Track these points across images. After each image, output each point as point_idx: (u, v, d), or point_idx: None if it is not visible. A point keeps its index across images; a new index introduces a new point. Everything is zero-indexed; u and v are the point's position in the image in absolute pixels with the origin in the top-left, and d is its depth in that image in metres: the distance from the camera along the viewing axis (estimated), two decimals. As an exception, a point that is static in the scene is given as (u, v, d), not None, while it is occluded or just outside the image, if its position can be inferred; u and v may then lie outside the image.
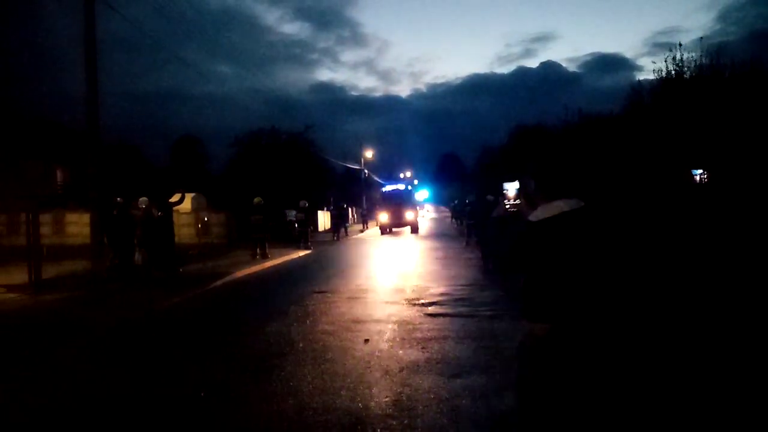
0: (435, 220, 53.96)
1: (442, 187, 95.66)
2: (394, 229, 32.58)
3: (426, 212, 68.30)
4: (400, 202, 32.04)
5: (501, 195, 14.23)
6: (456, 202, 43.64)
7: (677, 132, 17.23)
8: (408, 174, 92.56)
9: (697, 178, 17.46)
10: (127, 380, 5.43)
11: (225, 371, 5.57)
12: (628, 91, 25.80)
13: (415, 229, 31.31)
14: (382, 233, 31.41)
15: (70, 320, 8.16)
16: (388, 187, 34.95)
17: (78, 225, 21.94)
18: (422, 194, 63.34)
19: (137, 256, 13.06)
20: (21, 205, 13.26)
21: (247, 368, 5.61)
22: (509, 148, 42.09)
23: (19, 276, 11.04)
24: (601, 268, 2.69)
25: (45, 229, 22.14)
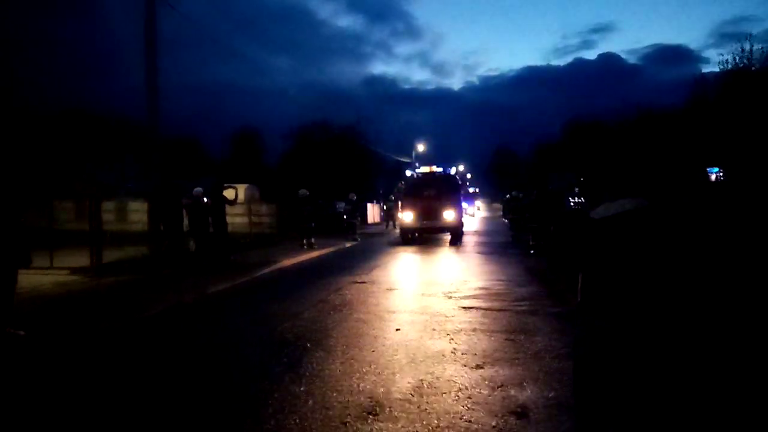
0: (487, 220, 44.33)
1: (496, 183, 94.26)
2: (423, 235, 21.75)
3: (476, 210, 57.84)
4: (435, 193, 20.62)
5: (567, 191, 14.17)
6: (507, 196, 39.98)
7: (743, 128, 16.50)
8: (461, 168, 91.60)
9: None
10: (170, 358, 5.85)
11: (261, 353, 5.91)
12: (691, 85, 24.81)
13: (456, 237, 20.45)
14: (405, 241, 20.38)
15: (125, 302, 8.75)
16: (421, 170, 23.41)
17: (140, 213, 23.09)
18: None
19: (191, 244, 13.77)
20: (85, 194, 14.16)
21: (282, 351, 5.92)
22: (563, 142, 41.27)
23: (83, 259, 11.82)
24: (662, 267, 2.70)
25: (109, 216, 23.47)
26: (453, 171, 24.10)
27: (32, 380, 5.19)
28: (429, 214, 20.07)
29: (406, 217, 20.48)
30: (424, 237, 21.85)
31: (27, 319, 7.10)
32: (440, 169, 22.96)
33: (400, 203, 22.56)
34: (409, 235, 20.77)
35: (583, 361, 2.95)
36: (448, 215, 20.03)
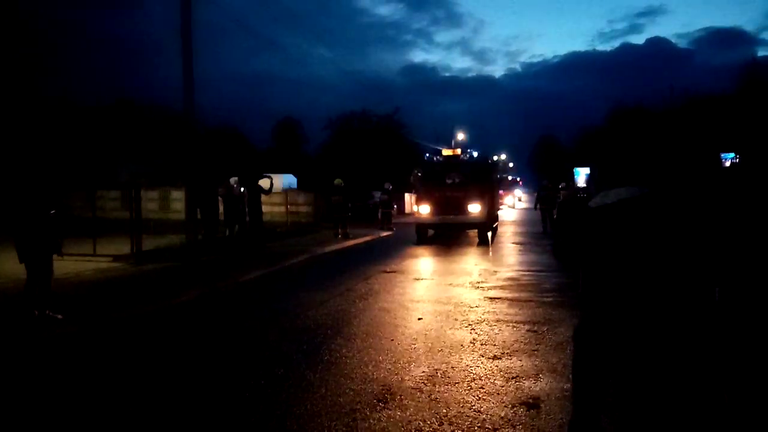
0: (528, 211, 39.12)
1: (539, 172, 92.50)
2: (445, 233, 18.52)
3: (517, 200, 54.09)
4: (458, 181, 17.09)
5: (571, 181, 13.88)
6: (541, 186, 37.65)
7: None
8: (502, 156, 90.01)
9: None
10: (195, 342, 6.05)
11: (282, 340, 6.04)
12: (742, 69, 23.85)
13: (485, 235, 16.92)
14: (419, 239, 17.12)
15: (161, 288, 9.05)
16: (443, 153, 18.87)
17: (181, 201, 23.81)
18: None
19: (227, 232, 14.10)
20: (127, 183, 14.65)
21: (303, 339, 6.04)
22: (606, 129, 40.16)
23: (125, 247, 12.27)
24: (658, 257, 2.65)
25: (152, 205, 24.36)
26: (477, 155, 18.98)
27: (70, 360, 5.47)
28: (450, 206, 16.41)
29: (422, 210, 17.02)
30: (446, 235, 18.51)
31: (68, 303, 7.45)
32: (460, 154, 18.78)
33: (414, 194, 19.42)
34: (425, 233, 17.54)
35: (580, 351, 2.93)
36: (474, 208, 16.24)
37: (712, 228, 2.70)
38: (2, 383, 4.87)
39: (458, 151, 18.87)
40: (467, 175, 17.20)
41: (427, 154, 19.24)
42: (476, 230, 16.98)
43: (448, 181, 17.14)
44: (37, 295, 6.62)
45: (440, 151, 18.28)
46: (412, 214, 33.27)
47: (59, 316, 6.65)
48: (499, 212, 22.25)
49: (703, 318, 2.67)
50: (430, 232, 18.18)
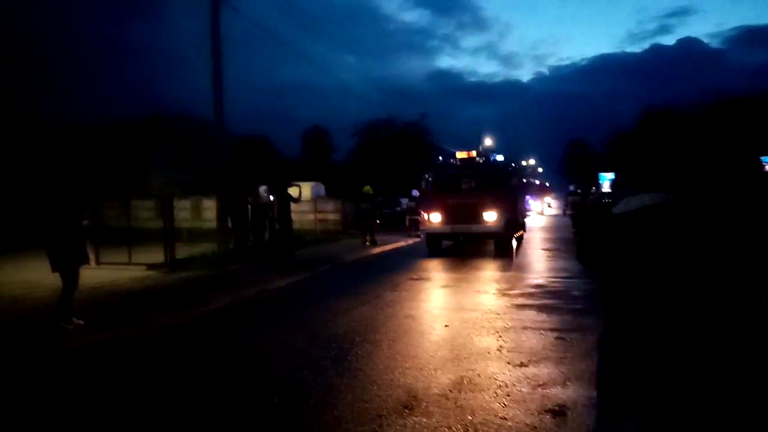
0: (558, 217, 37.58)
1: (569, 177, 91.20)
2: (461, 244, 17.07)
3: (546, 206, 51.58)
4: (474, 186, 15.68)
5: (596, 186, 13.63)
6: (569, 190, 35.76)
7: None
8: (531, 162, 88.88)
9: None
10: (226, 348, 6.20)
11: (311, 346, 6.14)
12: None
13: (504, 246, 15.05)
14: (431, 250, 15.71)
15: (192, 296, 9.27)
16: (457, 156, 16.75)
17: (212, 210, 24.23)
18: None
19: (256, 240, 14.32)
20: (160, 194, 15.03)
21: (331, 345, 6.13)
22: (637, 133, 39.48)
23: (159, 256, 12.58)
24: (682, 266, 2.61)
25: (184, 214, 24.85)
26: (495, 157, 17.16)
27: (99, 364, 5.66)
28: (463, 214, 14.81)
29: (433, 218, 15.35)
30: (462, 246, 16.90)
31: (102, 311, 7.71)
32: (477, 156, 16.58)
33: (424, 201, 17.20)
34: (438, 244, 15.95)
35: (605, 358, 2.93)
36: (490, 216, 14.61)
37: (755, 232, 2.66)
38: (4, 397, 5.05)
39: (473, 153, 16.60)
40: (483, 179, 15.64)
41: (440, 158, 17.29)
42: (492, 240, 15.46)
43: (463, 187, 15.75)
44: (56, 304, 6.80)
45: (455, 153, 16.74)
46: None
47: (81, 322, 6.85)
48: (526, 220, 20.81)
49: (745, 325, 2.64)
50: (445, 243, 16.60)
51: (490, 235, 15.14)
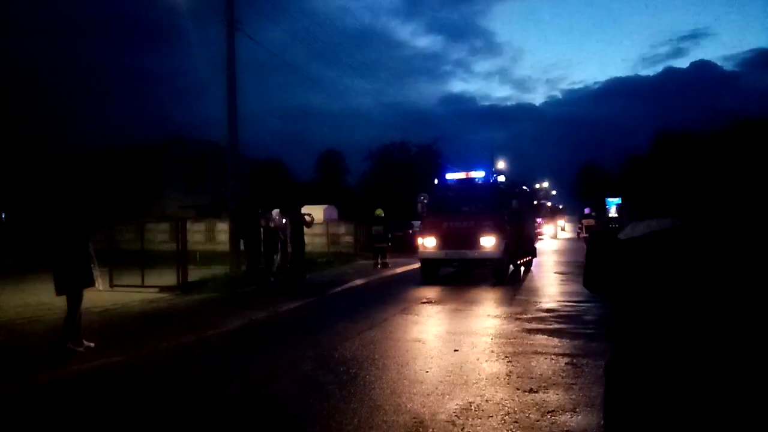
0: (572, 240, 35.77)
1: (583, 200, 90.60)
2: (449, 269, 15.57)
3: (560, 230, 50.64)
4: (471, 209, 14.64)
5: (603, 210, 13.33)
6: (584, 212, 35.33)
7: None
8: (545, 184, 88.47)
9: None
10: (233, 370, 6.19)
11: (318, 370, 6.11)
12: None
13: (501, 274, 13.95)
14: (425, 278, 14.48)
15: (204, 319, 9.31)
16: (454, 176, 15.85)
17: (226, 233, 24.53)
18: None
19: (267, 263, 14.37)
20: (173, 217, 15.20)
21: (338, 369, 6.10)
22: (653, 156, 39.24)
23: (172, 278, 12.67)
24: (691, 294, 2.57)
25: (199, 237, 25.13)
26: (496, 177, 15.81)
27: (108, 386, 5.68)
28: (458, 239, 13.82)
29: (427, 243, 14.25)
30: (469, 272, 15.40)
31: (112, 334, 7.76)
32: (475, 174, 15.41)
33: (420, 224, 16.08)
34: (434, 271, 14.61)
35: (611, 385, 2.88)
36: (487, 242, 13.57)
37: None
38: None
39: (473, 173, 15.46)
40: (481, 201, 14.58)
41: (436, 180, 16.05)
42: (491, 267, 14.13)
43: (458, 210, 14.60)
44: (63, 326, 6.84)
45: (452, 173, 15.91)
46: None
47: (92, 344, 6.89)
48: (538, 244, 19.94)
49: (755, 355, 2.58)
50: (444, 270, 15.23)
51: (486, 261, 14.01)
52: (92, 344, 6.95)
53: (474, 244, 13.71)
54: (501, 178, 15.85)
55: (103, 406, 5.13)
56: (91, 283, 7.07)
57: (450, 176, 15.69)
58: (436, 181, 15.95)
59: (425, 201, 15.27)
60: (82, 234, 7.06)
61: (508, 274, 14.30)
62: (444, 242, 14.07)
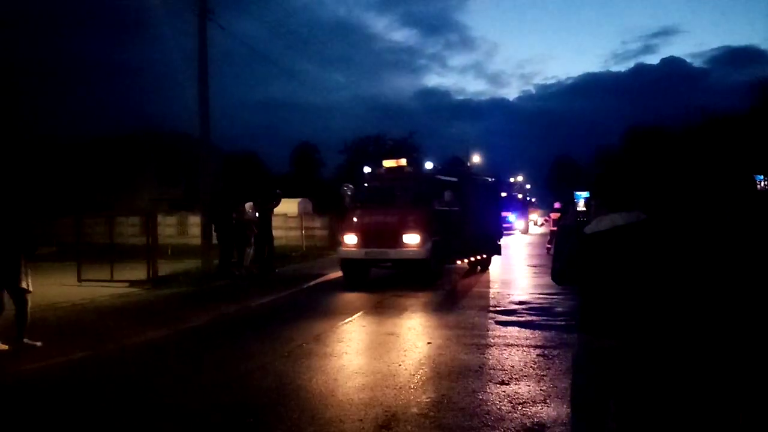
0: (543, 236, 32.93)
1: (558, 193, 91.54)
2: (376, 271, 13.09)
3: (532, 224, 48.21)
4: (398, 203, 12.77)
5: (572, 204, 13.02)
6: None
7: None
8: (519, 179, 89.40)
9: None
10: (201, 366, 6.09)
11: (288, 363, 6.03)
12: (756, 87, 23.75)
13: (427, 278, 12.02)
14: (348, 280, 12.47)
15: (173, 313, 9.16)
16: (385, 164, 13.92)
17: (198, 226, 24.19)
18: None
19: (239, 257, 14.19)
20: (143, 210, 14.92)
21: (310, 364, 6.03)
22: (625, 150, 39.95)
23: (142, 272, 12.43)
24: (654, 287, 2.62)
25: (170, 230, 24.70)
26: (433, 166, 13.98)
27: (70, 382, 5.54)
28: (380, 236, 11.91)
29: (348, 240, 12.31)
30: (386, 276, 13.13)
31: (79, 327, 7.58)
32: (406, 165, 13.59)
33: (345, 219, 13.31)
34: (356, 272, 12.50)
35: (577, 380, 2.90)
36: (411, 239, 11.67)
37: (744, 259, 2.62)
38: None
39: (403, 161, 13.70)
40: (409, 193, 12.80)
41: (367, 168, 14.08)
42: (414, 270, 12.10)
43: (384, 204, 12.70)
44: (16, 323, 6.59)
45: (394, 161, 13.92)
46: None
47: (38, 343, 6.62)
48: (506, 240, 18.46)
49: (721, 345, 2.62)
50: (373, 270, 12.91)
51: (409, 262, 12.01)
52: (38, 343, 6.65)
53: (396, 241, 11.74)
54: (428, 165, 13.94)
55: (61, 404, 4.99)
56: (16, 281, 6.61)
57: (386, 164, 13.76)
58: (366, 170, 14.05)
59: (349, 193, 13.34)
60: (12, 227, 6.70)
61: (439, 277, 12.45)
62: (365, 240, 12.06)
